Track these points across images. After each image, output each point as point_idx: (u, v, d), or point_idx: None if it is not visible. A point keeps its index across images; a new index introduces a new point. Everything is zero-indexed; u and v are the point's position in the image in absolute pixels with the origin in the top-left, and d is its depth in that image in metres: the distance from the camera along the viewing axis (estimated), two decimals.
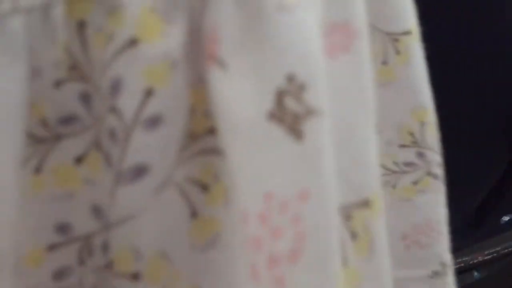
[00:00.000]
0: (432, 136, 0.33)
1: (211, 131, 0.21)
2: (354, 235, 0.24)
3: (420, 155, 0.33)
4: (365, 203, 0.24)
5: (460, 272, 0.72)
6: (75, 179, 0.22)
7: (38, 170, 0.22)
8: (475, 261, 0.69)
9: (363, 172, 0.24)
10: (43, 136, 0.21)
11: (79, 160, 0.22)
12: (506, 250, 0.68)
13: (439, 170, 0.34)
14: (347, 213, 0.24)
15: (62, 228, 0.23)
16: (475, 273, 0.71)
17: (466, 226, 0.71)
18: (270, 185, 0.21)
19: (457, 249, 0.69)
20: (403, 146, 0.33)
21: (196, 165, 0.21)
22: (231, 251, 0.21)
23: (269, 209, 0.21)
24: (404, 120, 0.32)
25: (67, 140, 0.22)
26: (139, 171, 0.20)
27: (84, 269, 0.24)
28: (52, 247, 0.23)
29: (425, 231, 0.34)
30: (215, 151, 0.21)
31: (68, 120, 0.21)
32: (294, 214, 0.21)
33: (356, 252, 0.24)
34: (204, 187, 0.21)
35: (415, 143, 0.33)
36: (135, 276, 0.22)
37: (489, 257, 0.69)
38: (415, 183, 0.34)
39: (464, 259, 0.70)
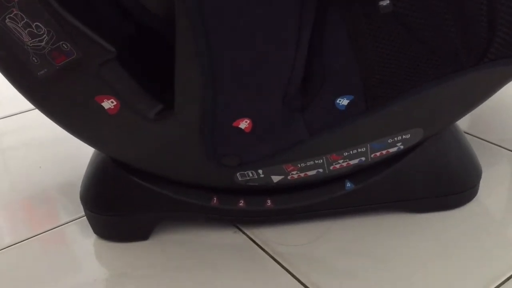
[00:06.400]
0: None
1: None
2: None
3: None
4: None
5: (330, 181, 0.67)
6: None
7: None
8: (336, 165, 0.65)
9: None
10: None
11: None
12: (373, 155, 0.65)
13: None
14: None
15: None
16: (348, 183, 0.67)
17: (288, 111, 0.61)
18: None
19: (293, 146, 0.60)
20: None
21: None
22: None
23: None
24: None
25: None
26: None
27: None
28: None
29: None
30: None
31: None
32: None
33: None
34: None
35: None
36: None
37: (355, 161, 0.65)
38: None
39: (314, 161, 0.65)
